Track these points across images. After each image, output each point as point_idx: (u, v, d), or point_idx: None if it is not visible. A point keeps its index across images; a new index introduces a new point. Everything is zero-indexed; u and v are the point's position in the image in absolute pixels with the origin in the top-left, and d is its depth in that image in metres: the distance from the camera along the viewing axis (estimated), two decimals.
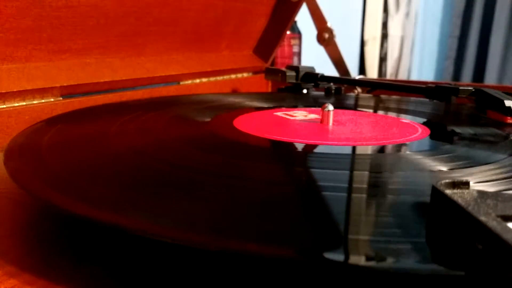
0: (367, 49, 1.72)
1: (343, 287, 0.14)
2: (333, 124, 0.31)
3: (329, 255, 0.13)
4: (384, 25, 1.82)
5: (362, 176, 0.21)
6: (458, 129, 0.30)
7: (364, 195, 0.18)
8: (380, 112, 0.39)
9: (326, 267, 0.13)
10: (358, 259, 0.13)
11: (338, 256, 0.13)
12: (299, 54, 0.85)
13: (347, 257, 0.13)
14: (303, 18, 0.71)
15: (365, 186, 0.19)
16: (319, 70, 0.50)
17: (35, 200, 0.22)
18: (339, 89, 0.48)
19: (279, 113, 0.35)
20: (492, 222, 0.12)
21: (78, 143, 0.26)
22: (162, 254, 0.17)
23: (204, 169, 0.21)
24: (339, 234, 0.14)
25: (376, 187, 0.19)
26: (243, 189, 0.18)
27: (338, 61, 0.67)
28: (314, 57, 0.77)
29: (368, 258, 0.13)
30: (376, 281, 0.14)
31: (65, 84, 0.37)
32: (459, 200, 0.13)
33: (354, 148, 0.25)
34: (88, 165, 0.22)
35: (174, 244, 0.14)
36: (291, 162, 0.24)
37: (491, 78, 2.10)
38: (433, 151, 0.26)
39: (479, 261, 0.12)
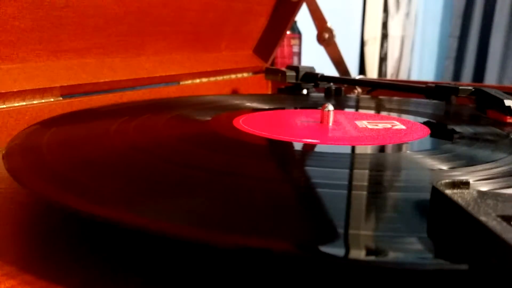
0: (367, 49, 1.72)
1: (345, 282, 0.14)
2: (333, 124, 0.31)
3: (329, 250, 0.13)
4: (384, 25, 1.82)
5: (362, 174, 0.21)
6: (458, 129, 0.30)
7: (364, 192, 0.18)
8: (381, 113, 0.39)
9: (327, 261, 0.14)
10: (358, 253, 0.13)
11: (339, 250, 0.13)
12: (299, 54, 0.85)
13: (347, 251, 0.13)
14: (303, 18, 0.71)
15: (365, 183, 0.19)
16: (319, 70, 0.50)
17: (35, 197, 0.22)
18: (339, 89, 0.48)
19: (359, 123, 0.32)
20: (492, 222, 0.12)
21: (77, 142, 0.26)
22: (161, 251, 0.17)
23: (205, 167, 0.21)
24: (340, 229, 0.14)
25: (376, 184, 0.19)
26: (244, 186, 0.18)
27: (338, 61, 0.67)
28: (314, 57, 0.77)
29: (369, 252, 0.13)
30: (373, 275, 0.14)
31: (65, 84, 0.37)
32: (459, 200, 0.13)
33: (354, 148, 0.25)
34: (88, 163, 0.22)
35: (174, 240, 0.14)
36: (292, 160, 0.24)
37: (491, 78, 2.10)
38: (433, 151, 0.26)
39: (478, 261, 0.12)
